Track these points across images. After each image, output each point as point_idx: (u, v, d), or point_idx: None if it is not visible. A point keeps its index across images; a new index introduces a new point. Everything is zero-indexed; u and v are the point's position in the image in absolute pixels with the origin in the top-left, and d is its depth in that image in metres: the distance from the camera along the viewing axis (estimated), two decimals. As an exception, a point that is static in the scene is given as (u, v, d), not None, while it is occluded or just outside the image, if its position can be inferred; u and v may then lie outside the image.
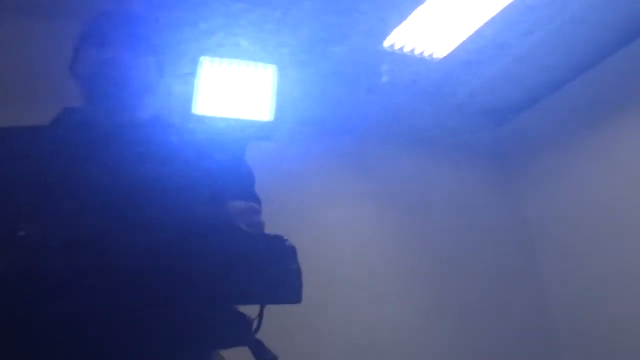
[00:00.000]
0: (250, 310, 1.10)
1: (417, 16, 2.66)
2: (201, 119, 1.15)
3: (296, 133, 1.55)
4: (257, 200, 1.16)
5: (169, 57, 1.14)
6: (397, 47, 2.85)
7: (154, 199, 1.01)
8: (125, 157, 1.02)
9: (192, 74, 1.14)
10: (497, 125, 3.39)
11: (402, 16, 2.67)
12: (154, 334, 0.98)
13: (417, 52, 2.90)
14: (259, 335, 1.11)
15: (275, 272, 1.06)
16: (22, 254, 0.92)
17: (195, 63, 1.15)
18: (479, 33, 2.74)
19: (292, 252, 1.10)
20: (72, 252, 0.92)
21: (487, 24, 2.68)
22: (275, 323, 1.10)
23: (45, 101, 2.32)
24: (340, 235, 2.87)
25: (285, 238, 1.10)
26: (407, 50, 2.88)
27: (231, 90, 1.19)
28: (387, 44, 2.83)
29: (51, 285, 0.91)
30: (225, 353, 1.10)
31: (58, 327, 0.92)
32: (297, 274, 1.11)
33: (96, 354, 0.94)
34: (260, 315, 1.10)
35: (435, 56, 2.93)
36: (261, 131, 1.16)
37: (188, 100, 1.14)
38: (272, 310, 1.09)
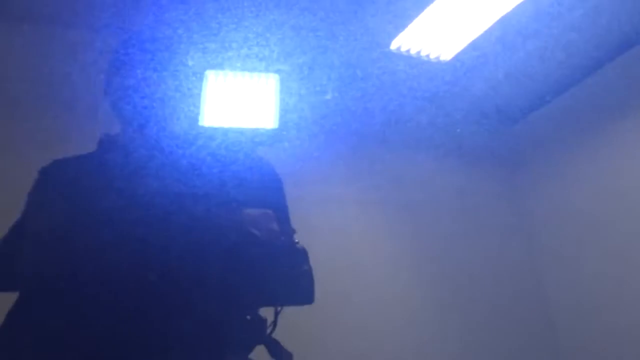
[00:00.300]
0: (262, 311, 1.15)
1: (423, 18, 2.70)
2: (209, 131, 1.21)
3: (302, 138, 1.61)
4: (279, 207, 1.20)
5: (175, 73, 1.20)
6: (403, 49, 2.90)
7: (180, 211, 1.08)
8: (153, 174, 1.10)
9: (198, 87, 1.20)
10: (503, 127, 3.42)
11: (408, 19, 2.72)
12: (173, 337, 1.03)
13: (423, 54, 2.95)
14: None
15: (288, 274, 1.11)
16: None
17: (200, 77, 1.22)
18: (485, 35, 2.79)
19: (303, 254, 1.16)
20: (104, 258, 1.00)
21: (493, 26, 2.72)
22: (282, 322, 1.15)
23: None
24: (347, 237, 2.93)
25: (296, 241, 1.15)
26: (413, 52, 2.92)
27: (236, 101, 1.25)
28: (393, 46, 2.87)
29: (84, 288, 0.99)
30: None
31: (86, 328, 0.98)
32: (309, 275, 1.16)
33: (123, 356, 1.00)
34: (276, 316, 1.15)
35: (442, 58, 2.97)
36: (266, 138, 1.22)
37: (195, 113, 1.20)
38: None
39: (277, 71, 1.28)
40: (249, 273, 1.07)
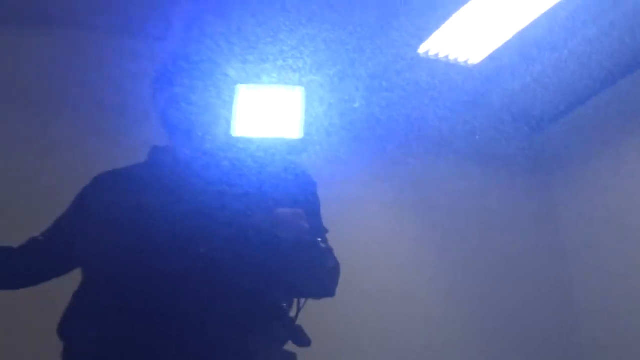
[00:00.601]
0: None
1: (452, 23, 2.78)
2: (240, 140, 1.35)
3: (329, 145, 1.71)
4: (311, 208, 1.32)
5: (215, 87, 1.34)
6: (431, 54, 2.98)
7: (219, 213, 1.21)
8: (197, 180, 1.24)
9: (230, 100, 1.34)
10: (531, 132, 3.46)
11: (437, 23, 2.80)
12: (212, 333, 1.16)
13: (451, 58, 3.02)
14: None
15: (308, 270, 1.22)
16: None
17: (232, 90, 1.35)
18: (513, 40, 2.85)
19: (326, 252, 1.27)
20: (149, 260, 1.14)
21: (522, 31, 2.78)
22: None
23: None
24: (370, 238, 3.01)
25: (320, 239, 1.27)
26: (441, 56, 3.00)
27: (264, 113, 1.39)
28: (422, 50, 2.96)
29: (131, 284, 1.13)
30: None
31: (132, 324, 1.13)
32: (332, 272, 1.28)
33: (169, 349, 1.14)
34: (299, 307, 1.27)
35: (470, 62, 3.03)
36: (292, 148, 1.35)
37: (227, 124, 1.34)
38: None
39: (310, 82, 1.41)
40: (272, 268, 1.19)
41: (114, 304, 1.17)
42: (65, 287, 1.35)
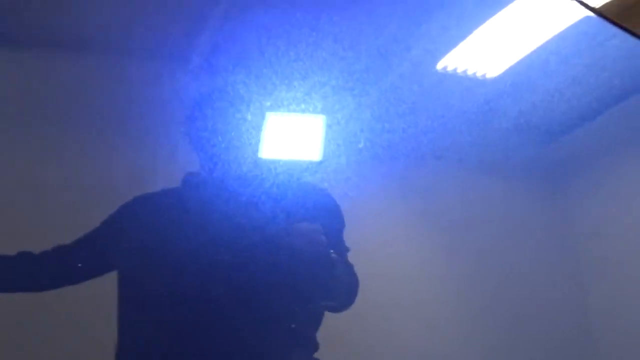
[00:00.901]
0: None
1: (471, 39, 2.89)
2: (267, 162, 1.53)
3: (344, 166, 1.84)
4: (332, 225, 1.49)
5: (242, 114, 1.52)
6: (449, 69, 3.10)
7: (248, 227, 1.39)
8: (230, 197, 1.42)
9: (259, 126, 1.52)
10: (545, 144, 3.53)
11: (456, 40, 2.91)
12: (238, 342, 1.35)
13: (469, 73, 3.13)
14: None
15: (320, 280, 1.39)
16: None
17: (261, 117, 1.53)
18: (531, 55, 2.93)
19: (335, 263, 1.44)
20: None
21: (540, 47, 2.87)
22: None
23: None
24: (392, 259, 3.11)
25: (332, 251, 1.44)
26: (459, 71, 3.12)
27: (288, 137, 1.56)
28: (440, 66, 3.08)
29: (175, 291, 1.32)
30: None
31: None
32: (339, 280, 1.45)
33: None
34: (310, 315, 1.44)
35: (487, 76, 3.15)
36: (312, 168, 1.52)
37: (256, 147, 1.51)
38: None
39: (329, 126, 1.61)
40: (284, 277, 1.36)
41: (157, 326, 1.34)
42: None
